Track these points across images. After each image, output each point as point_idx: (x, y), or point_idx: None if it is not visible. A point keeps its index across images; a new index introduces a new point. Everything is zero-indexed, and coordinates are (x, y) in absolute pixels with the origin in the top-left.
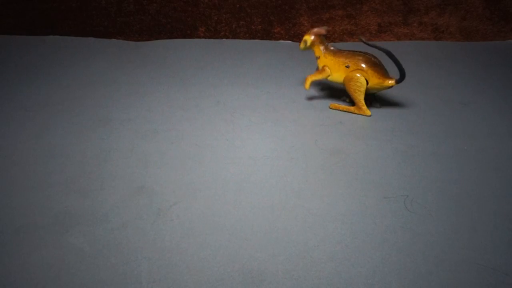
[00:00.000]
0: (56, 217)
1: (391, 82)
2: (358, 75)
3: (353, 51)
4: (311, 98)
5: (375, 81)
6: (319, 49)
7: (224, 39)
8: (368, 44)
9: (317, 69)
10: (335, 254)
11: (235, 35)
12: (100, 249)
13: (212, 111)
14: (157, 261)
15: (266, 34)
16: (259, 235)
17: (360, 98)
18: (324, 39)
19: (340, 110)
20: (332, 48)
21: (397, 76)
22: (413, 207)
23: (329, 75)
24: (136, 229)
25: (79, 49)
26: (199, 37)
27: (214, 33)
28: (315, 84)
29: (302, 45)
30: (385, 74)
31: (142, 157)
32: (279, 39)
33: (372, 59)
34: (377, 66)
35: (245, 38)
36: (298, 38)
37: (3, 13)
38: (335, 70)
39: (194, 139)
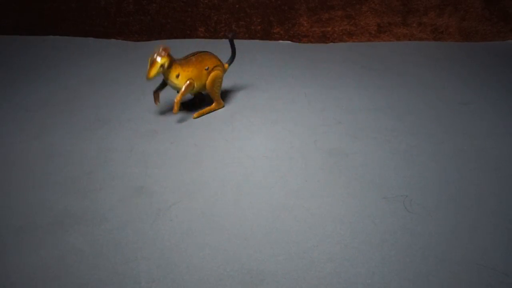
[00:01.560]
0: (55, 217)
1: (226, 64)
2: (218, 72)
3: (193, 54)
4: (310, 98)
5: (224, 69)
6: (177, 67)
7: (223, 39)
8: (232, 40)
9: (177, 88)
10: (335, 254)
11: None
12: (99, 249)
13: (211, 111)
14: (156, 261)
15: (266, 34)
16: (259, 235)
17: (219, 92)
18: (169, 54)
19: (205, 114)
20: (179, 60)
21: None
22: (413, 208)
23: (196, 86)
24: (136, 229)
25: (79, 49)
26: (198, 37)
27: (213, 33)
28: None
29: (155, 71)
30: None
31: (141, 157)
32: (279, 40)
33: (210, 52)
34: (217, 56)
35: (245, 38)
36: (297, 38)
37: (3, 14)
38: (198, 78)
39: (193, 139)
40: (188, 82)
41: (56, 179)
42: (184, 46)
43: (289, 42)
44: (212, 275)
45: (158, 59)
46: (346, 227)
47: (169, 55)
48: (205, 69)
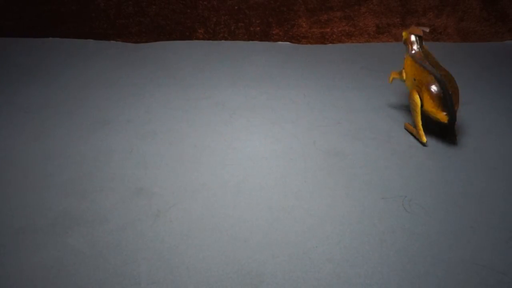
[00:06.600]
0: (55, 218)
1: (443, 116)
2: (415, 93)
3: (438, 65)
4: (309, 99)
5: (428, 108)
6: (408, 49)
7: (223, 41)
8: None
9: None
10: (334, 255)
11: (233, 36)
12: (99, 251)
13: (211, 112)
14: (156, 262)
15: (265, 36)
16: (258, 236)
17: (416, 119)
18: (418, 40)
19: (408, 131)
20: (419, 51)
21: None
22: (411, 208)
23: (404, 79)
24: (135, 231)
25: (78, 51)
26: (198, 38)
27: (213, 35)
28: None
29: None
30: (441, 106)
31: (141, 158)
32: (278, 41)
33: (442, 82)
34: (438, 91)
35: (244, 40)
36: (296, 39)
37: (2, 16)
38: (407, 77)
39: (193, 140)
40: (402, 69)
41: (56, 180)
42: (183, 47)
43: (288, 43)
44: (212, 276)
45: (407, 33)
46: (345, 228)
47: (410, 33)
48: (413, 79)
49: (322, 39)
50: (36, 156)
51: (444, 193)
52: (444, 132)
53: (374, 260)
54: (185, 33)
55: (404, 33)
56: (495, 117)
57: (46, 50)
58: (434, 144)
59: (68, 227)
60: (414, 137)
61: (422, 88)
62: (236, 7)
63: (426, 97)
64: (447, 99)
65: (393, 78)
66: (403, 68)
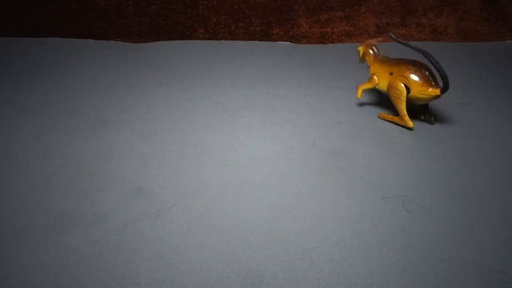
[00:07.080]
0: (55, 218)
1: (434, 90)
2: (398, 82)
3: (403, 59)
4: (309, 99)
5: (417, 88)
6: (370, 59)
7: (223, 41)
8: (399, 42)
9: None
10: (334, 255)
11: (234, 36)
12: (99, 250)
13: (211, 112)
14: (156, 262)
15: (265, 36)
16: (258, 236)
17: (401, 107)
18: (376, 49)
19: (387, 120)
20: (381, 56)
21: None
22: (412, 208)
23: (377, 84)
24: (135, 230)
25: (78, 51)
26: (198, 38)
27: (213, 35)
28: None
29: (357, 57)
30: (429, 82)
31: (141, 158)
32: (278, 40)
33: (418, 66)
34: (421, 72)
35: (244, 40)
36: (296, 39)
37: (2, 16)
38: (381, 78)
39: (193, 140)
40: (371, 76)
41: (56, 180)
42: (183, 47)
43: (288, 43)
44: (212, 276)
45: (363, 47)
46: (345, 228)
47: (367, 46)
48: (389, 73)
49: (322, 39)
50: (36, 156)
51: (444, 193)
52: (421, 113)
53: (374, 260)
54: (185, 33)
55: (360, 48)
56: (495, 117)
57: (46, 50)
58: (434, 144)
59: (68, 227)
60: (397, 124)
61: (405, 74)
62: (236, 7)
63: (413, 80)
64: (437, 68)
65: (363, 91)
66: (372, 75)
